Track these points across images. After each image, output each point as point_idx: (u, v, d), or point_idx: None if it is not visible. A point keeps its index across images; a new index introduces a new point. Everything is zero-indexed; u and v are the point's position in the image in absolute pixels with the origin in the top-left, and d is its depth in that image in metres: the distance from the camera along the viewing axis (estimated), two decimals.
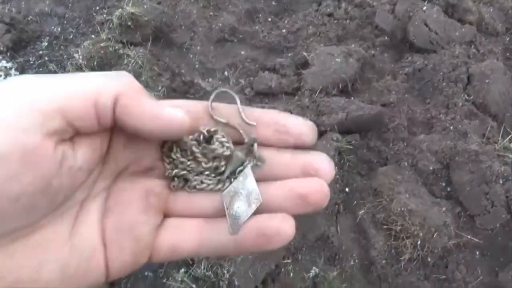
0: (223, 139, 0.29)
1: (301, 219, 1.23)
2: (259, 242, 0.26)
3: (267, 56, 1.71)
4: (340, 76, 1.53)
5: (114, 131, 0.27)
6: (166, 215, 0.29)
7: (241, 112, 0.29)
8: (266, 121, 0.29)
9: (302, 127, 0.29)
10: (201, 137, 0.29)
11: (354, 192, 1.40)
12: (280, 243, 0.26)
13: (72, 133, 0.24)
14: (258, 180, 0.28)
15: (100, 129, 0.25)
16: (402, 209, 1.30)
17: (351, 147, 1.41)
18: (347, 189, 1.40)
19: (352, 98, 1.52)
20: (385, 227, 1.31)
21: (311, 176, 0.28)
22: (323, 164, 0.28)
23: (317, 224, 1.32)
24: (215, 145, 0.29)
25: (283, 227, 0.26)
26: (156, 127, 0.25)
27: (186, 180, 0.30)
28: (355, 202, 1.38)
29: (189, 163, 0.30)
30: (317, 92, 1.50)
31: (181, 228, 0.28)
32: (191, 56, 1.71)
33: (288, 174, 0.28)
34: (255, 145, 0.29)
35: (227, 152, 0.29)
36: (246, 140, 0.29)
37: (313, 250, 1.30)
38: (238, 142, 0.30)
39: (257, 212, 0.27)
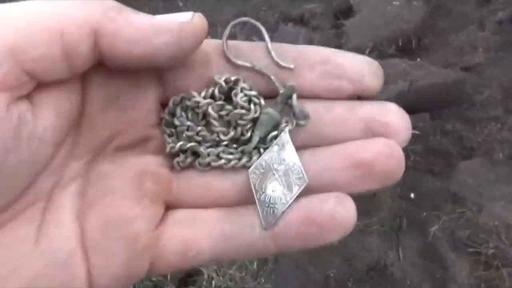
0: (250, 92, 0.25)
1: (347, 241, 1.09)
2: (307, 234, 0.23)
3: (291, 1, 1.57)
4: (400, 28, 1.38)
5: (90, 83, 0.24)
6: (169, 206, 0.25)
7: (272, 51, 0.25)
8: (308, 61, 0.25)
9: (363, 67, 0.24)
10: (217, 91, 0.25)
11: (423, 199, 1.17)
12: (336, 234, 0.23)
13: (30, 87, 0.21)
14: (301, 147, 0.24)
15: (70, 77, 0.22)
16: (496, 223, 1.09)
17: (418, 132, 1.23)
18: (412, 195, 1.18)
19: (418, 59, 1.36)
20: (471, 250, 1.08)
21: (377, 135, 0.24)
22: (394, 117, 0.24)
23: (369, 247, 1.09)
24: (238, 100, 0.25)
25: (339, 212, 0.22)
26: (162, 47, 0.21)
27: (197, 155, 0.25)
28: (424, 213, 1.14)
29: (199, 129, 0.25)
30: (366, 52, 1.33)
31: (192, 223, 0.24)
32: (181, 4, 1.61)
33: (343, 135, 0.24)
34: (294, 97, 0.24)
35: (255, 112, 0.25)
36: (280, 91, 0.25)
37: (363, 284, 1.06)
38: (267, 96, 0.25)
39: (301, 194, 0.24)
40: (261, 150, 0.25)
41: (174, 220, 0.24)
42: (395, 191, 1.16)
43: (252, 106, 0.25)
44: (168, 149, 0.25)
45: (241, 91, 0.25)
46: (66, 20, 0.20)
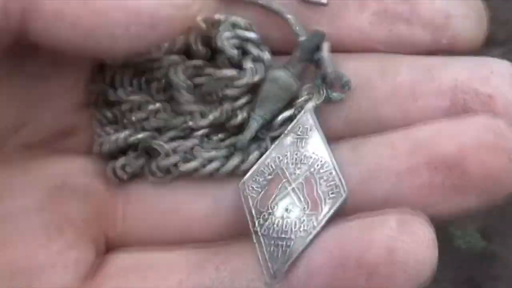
0: (245, 34, 0.16)
1: None
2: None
3: None
4: None
5: None
6: (109, 245, 0.16)
7: None
8: None
9: (448, 4, 0.16)
10: (192, 41, 0.16)
11: None
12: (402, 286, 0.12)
13: None
14: (336, 138, 0.15)
15: None
16: None
17: None
18: None
19: None
20: None
21: (472, 111, 0.14)
22: (502, 84, 0.15)
23: None
24: (225, 50, 0.15)
25: (406, 242, 0.13)
26: (131, 40, 0.13)
27: (152, 154, 0.16)
28: None
29: (156, 107, 0.15)
30: None
31: (144, 274, 0.15)
32: None
33: (411, 115, 0.15)
34: (325, 48, 0.15)
35: (254, 74, 0.15)
36: (300, 40, 0.15)
37: None
38: (278, 50, 0.16)
39: (337, 216, 0.14)
40: (265, 143, 0.16)
41: (116, 268, 0.15)
42: None
43: (248, 63, 0.15)
44: (98, 147, 0.16)
45: (230, 34, 0.15)
46: None
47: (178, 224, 0.16)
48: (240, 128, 0.16)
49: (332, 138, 0.15)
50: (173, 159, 0.15)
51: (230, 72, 0.15)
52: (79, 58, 0.16)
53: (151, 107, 0.16)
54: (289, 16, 0.16)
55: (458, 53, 0.16)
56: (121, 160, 0.15)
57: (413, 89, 0.15)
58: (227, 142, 0.16)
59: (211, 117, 0.16)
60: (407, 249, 0.12)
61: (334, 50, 0.16)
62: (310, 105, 0.15)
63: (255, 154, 0.15)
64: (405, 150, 0.14)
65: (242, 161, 0.15)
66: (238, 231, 0.15)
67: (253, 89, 0.16)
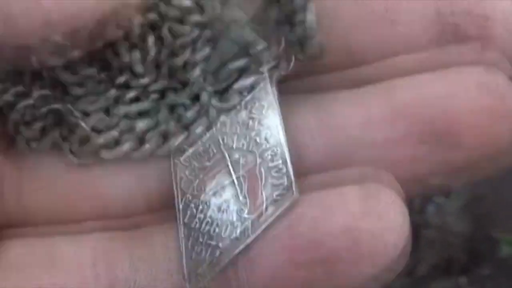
0: None
1: None
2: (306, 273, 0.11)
3: None
4: None
5: None
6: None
7: None
8: None
9: None
10: None
11: None
12: (372, 262, 0.11)
13: None
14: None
15: None
16: None
17: None
18: None
19: None
20: None
21: (466, 38, 0.12)
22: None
23: None
24: None
25: (375, 224, 0.11)
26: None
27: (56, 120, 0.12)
28: None
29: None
30: None
31: (46, 269, 0.12)
32: None
33: (392, 41, 0.12)
34: (311, 9, 0.12)
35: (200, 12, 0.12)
36: None
37: None
38: None
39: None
40: (209, 113, 0.12)
41: (7, 263, 0.12)
42: None
43: None
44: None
45: None
46: None
47: (90, 202, 0.13)
48: (181, 86, 0.12)
49: (291, 80, 0.12)
50: (95, 142, 0.12)
51: (187, 1, 0.12)
52: None
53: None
54: None
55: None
56: (33, 131, 0.12)
57: (390, 10, 0.12)
58: (163, 103, 0.12)
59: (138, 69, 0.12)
60: (373, 231, 0.10)
61: None
62: (274, 75, 0.12)
63: (200, 128, 0.12)
64: (382, 116, 0.12)
65: (186, 137, 0.12)
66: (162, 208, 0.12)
67: (197, 36, 0.12)
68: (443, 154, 0.11)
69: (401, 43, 0.12)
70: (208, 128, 0.12)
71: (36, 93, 0.12)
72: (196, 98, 0.12)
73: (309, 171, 0.12)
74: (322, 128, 0.12)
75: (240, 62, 0.12)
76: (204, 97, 0.12)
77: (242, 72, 0.12)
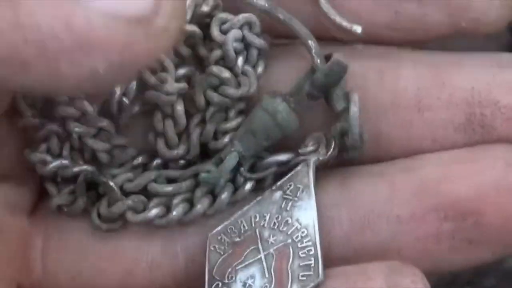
0: (259, 44, 0.13)
1: None
2: None
3: None
4: None
5: None
6: None
7: None
8: None
9: None
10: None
11: None
12: None
13: None
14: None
15: None
16: None
17: None
18: None
19: None
20: None
21: (492, 128, 0.12)
22: None
23: None
24: (226, 54, 0.12)
25: None
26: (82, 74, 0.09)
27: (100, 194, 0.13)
28: None
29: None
30: None
31: None
32: None
33: (419, 127, 0.12)
34: (356, 100, 0.12)
35: (248, 86, 0.13)
36: (317, 65, 0.12)
37: None
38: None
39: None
40: (245, 187, 0.13)
41: None
42: None
43: (249, 68, 0.12)
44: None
45: (238, 35, 0.12)
46: None
47: (114, 274, 0.13)
48: (218, 160, 0.13)
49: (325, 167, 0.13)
50: (123, 203, 0.12)
51: (227, 73, 0.12)
52: None
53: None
54: (310, 41, 0.12)
55: (479, 38, 0.13)
56: (64, 196, 0.13)
57: (419, 98, 0.12)
58: (193, 169, 0.13)
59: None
60: None
61: (324, 38, 0.13)
62: (313, 160, 0.12)
63: (225, 194, 0.12)
64: (408, 192, 0.12)
65: (212, 204, 0.12)
66: (189, 284, 0.13)
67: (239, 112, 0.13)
68: (466, 233, 0.11)
69: (427, 130, 0.12)
70: (233, 196, 0.12)
71: (67, 154, 0.12)
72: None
73: (333, 245, 0.12)
74: (347, 203, 0.12)
75: (282, 157, 0.12)
76: (229, 163, 0.12)
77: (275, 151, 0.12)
